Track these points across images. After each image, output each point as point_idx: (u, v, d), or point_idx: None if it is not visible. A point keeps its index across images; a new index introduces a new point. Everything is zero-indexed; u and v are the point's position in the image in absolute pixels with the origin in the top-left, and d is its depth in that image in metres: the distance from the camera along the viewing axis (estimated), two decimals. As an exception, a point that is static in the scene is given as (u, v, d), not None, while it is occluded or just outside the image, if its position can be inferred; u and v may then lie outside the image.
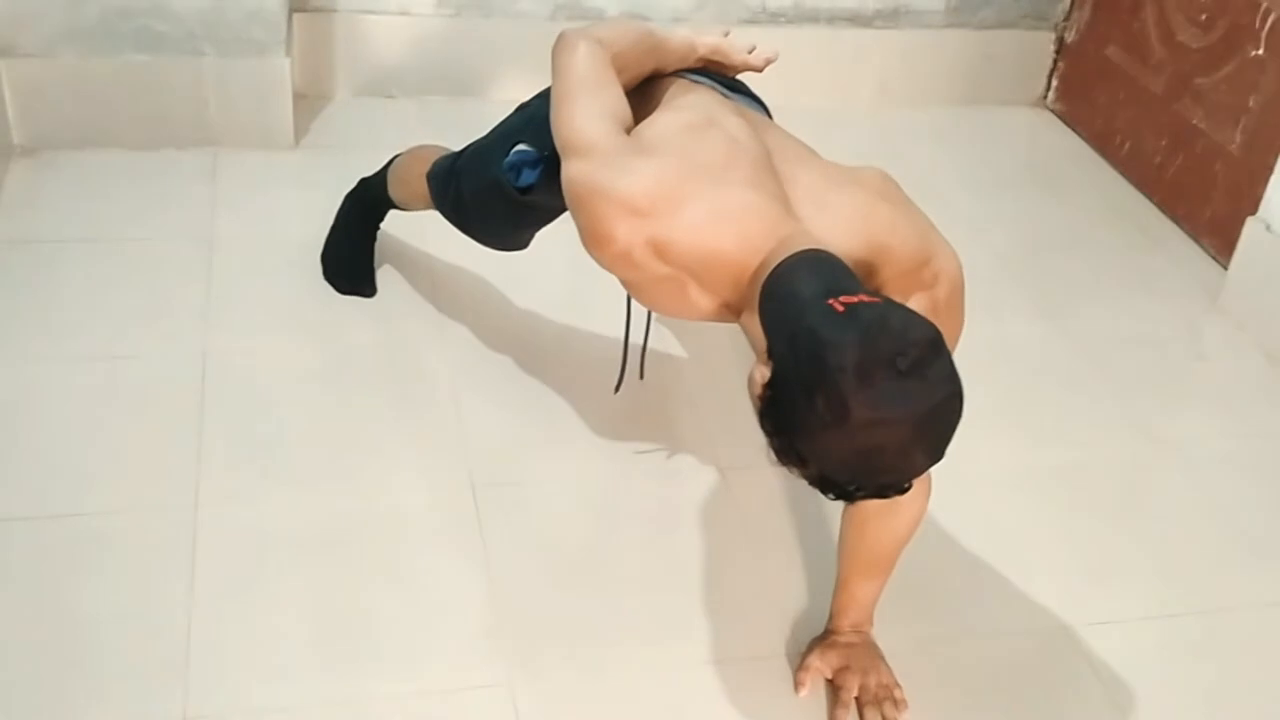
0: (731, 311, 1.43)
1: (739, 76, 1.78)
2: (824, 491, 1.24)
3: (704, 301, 1.42)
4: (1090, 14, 3.25)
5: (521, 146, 1.77)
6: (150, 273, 2.29)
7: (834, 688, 1.67)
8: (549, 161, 1.68)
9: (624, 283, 1.47)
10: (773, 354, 1.25)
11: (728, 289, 1.39)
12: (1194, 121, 2.89)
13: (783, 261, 1.32)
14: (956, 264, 1.47)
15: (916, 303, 1.38)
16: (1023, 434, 2.23)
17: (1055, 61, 3.38)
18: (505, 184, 1.77)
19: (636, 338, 1.95)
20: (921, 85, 3.31)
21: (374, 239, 2.33)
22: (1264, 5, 2.68)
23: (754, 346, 1.35)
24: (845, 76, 3.24)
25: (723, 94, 1.68)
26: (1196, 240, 2.89)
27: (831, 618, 1.72)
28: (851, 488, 1.22)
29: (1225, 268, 2.72)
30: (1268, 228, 2.59)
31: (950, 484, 1.71)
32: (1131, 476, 2.18)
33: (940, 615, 1.84)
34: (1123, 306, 2.64)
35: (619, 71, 1.54)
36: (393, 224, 2.33)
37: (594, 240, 1.37)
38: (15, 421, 1.93)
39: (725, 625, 1.77)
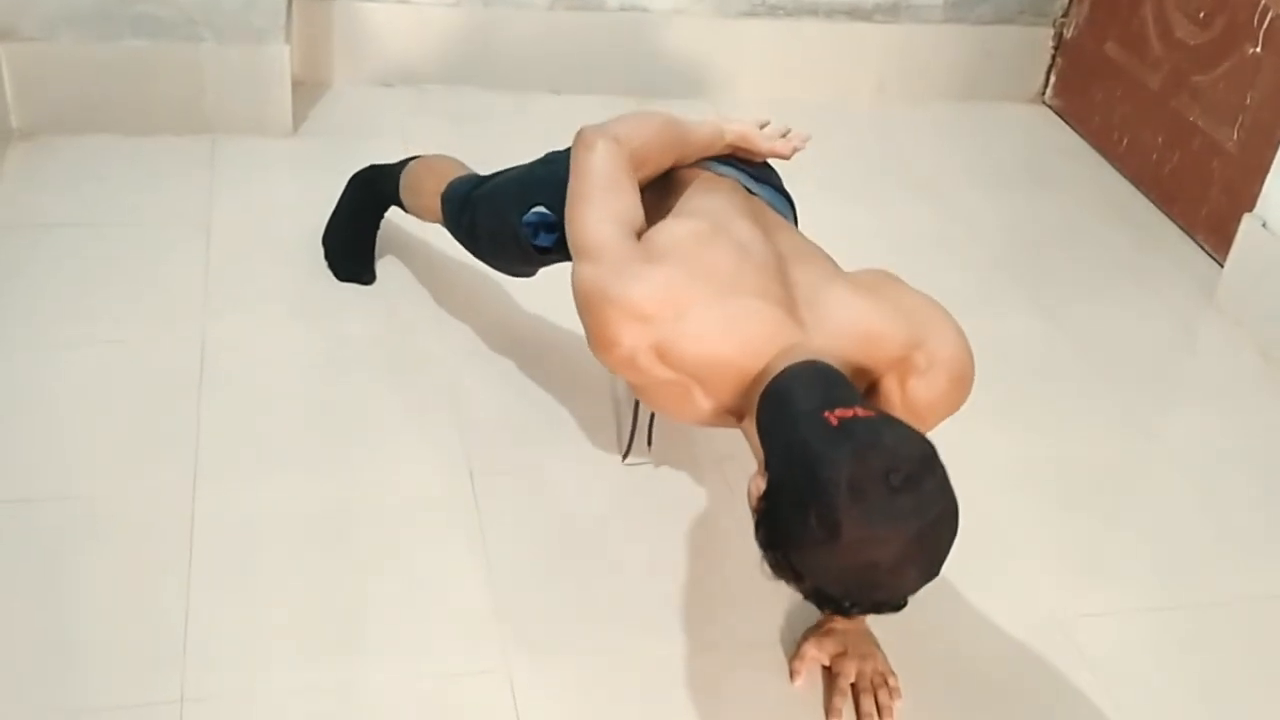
0: (733, 416, 1.44)
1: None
2: (819, 606, 1.25)
3: (706, 405, 1.44)
4: (1089, 10, 3.26)
5: (541, 209, 1.79)
6: (148, 258, 2.29)
7: (830, 674, 1.68)
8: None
9: (630, 384, 1.49)
10: (769, 466, 1.26)
11: (729, 394, 1.40)
12: (1191, 118, 2.90)
13: (782, 371, 1.33)
14: (956, 347, 1.45)
15: (913, 389, 1.39)
16: (1018, 429, 2.23)
17: (1054, 57, 3.39)
18: (523, 238, 1.80)
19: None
20: (920, 80, 3.32)
21: (377, 227, 2.33)
22: (1262, 3, 2.69)
23: (754, 454, 1.37)
24: (844, 71, 3.25)
25: (745, 187, 1.70)
26: (1193, 237, 2.90)
27: (828, 606, 1.72)
28: (846, 603, 1.23)
29: (1221, 265, 2.72)
30: (1264, 225, 2.60)
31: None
32: (1125, 472, 2.19)
33: (934, 606, 1.84)
34: (1119, 303, 2.65)
35: (639, 166, 1.56)
36: (394, 212, 2.33)
37: (600, 344, 1.39)
38: (13, 405, 1.93)
39: (722, 613, 1.78)
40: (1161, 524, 2.08)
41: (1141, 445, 2.26)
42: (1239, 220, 2.66)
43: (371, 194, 2.29)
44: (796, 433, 1.23)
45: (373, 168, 2.31)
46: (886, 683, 1.65)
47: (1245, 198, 2.68)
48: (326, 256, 2.32)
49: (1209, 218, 2.85)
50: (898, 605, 1.23)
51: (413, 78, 2.98)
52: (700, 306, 1.36)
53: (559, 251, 1.78)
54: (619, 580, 1.80)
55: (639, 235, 1.47)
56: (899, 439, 1.20)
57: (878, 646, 1.70)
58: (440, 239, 2.39)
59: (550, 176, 1.78)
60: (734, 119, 1.77)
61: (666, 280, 1.37)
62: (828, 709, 1.65)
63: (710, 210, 1.55)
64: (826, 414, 1.22)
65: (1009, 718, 1.70)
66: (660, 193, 1.64)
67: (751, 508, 1.26)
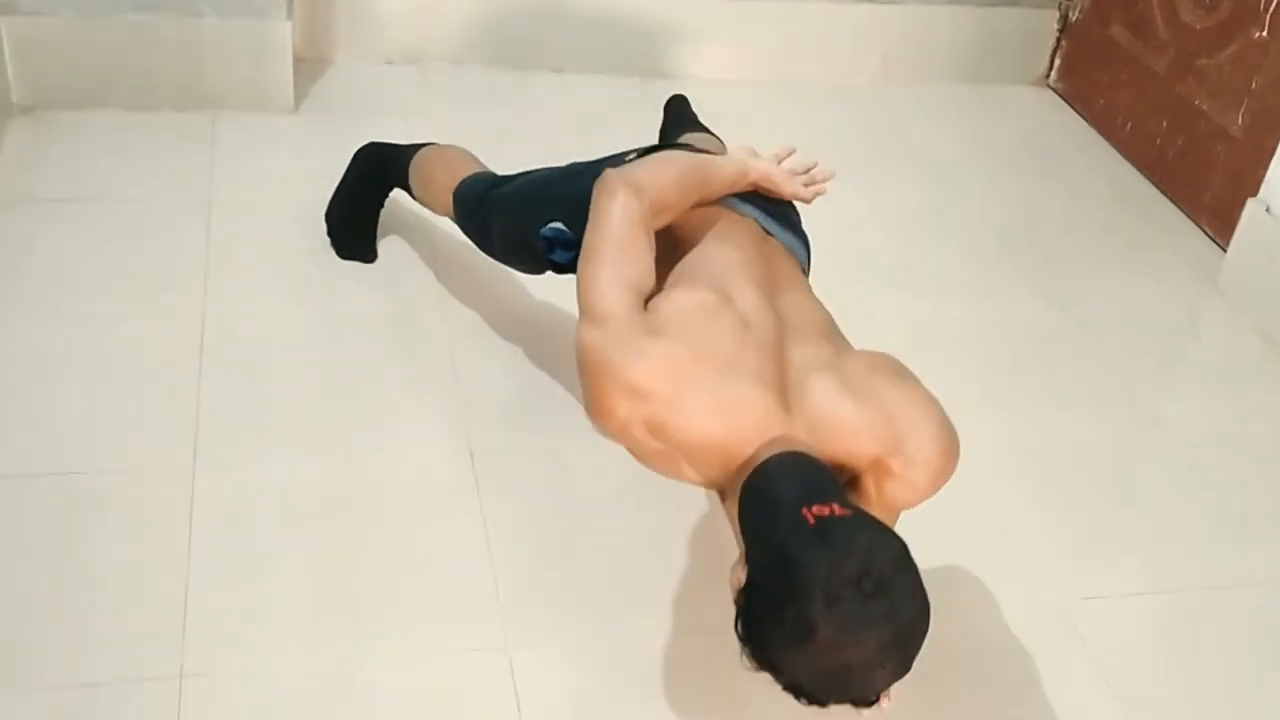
0: (718, 490, 1.48)
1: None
2: (796, 698, 1.27)
3: (694, 475, 1.47)
4: (1095, -7, 3.25)
5: (559, 225, 1.80)
6: (148, 234, 2.28)
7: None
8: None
9: (625, 447, 1.51)
10: (749, 560, 1.29)
11: (715, 472, 1.44)
12: (1196, 102, 2.89)
13: (765, 461, 1.36)
14: (933, 451, 1.43)
15: (888, 491, 1.42)
16: (1018, 411, 2.23)
17: (1058, 40, 3.37)
18: (536, 247, 1.81)
19: None
20: (924, 62, 3.30)
21: (381, 206, 2.31)
22: (1269, -14, 2.68)
23: (735, 536, 1.41)
24: (848, 52, 3.24)
25: (763, 228, 1.70)
26: (1196, 221, 2.89)
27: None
28: (822, 698, 1.26)
29: (1224, 249, 2.72)
30: (1268, 210, 2.59)
31: (948, 457, 1.72)
32: (1126, 455, 2.19)
33: (931, 588, 1.84)
34: (1121, 286, 2.64)
35: (659, 213, 1.56)
36: (398, 191, 2.32)
37: (597, 410, 1.42)
38: (13, 380, 1.93)
39: (721, 594, 1.76)
40: (1162, 508, 2.08)
41: (1143, 429, 2.26)
42: (1242, 205, 2.65)
43: (377, 174, 2.28)
44: (776, 531, 1.27)
45: (378, 146, 2.29)
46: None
47: (1249, 182, 2.68)
48: (329, 234, 2.31)
49: (1212, 202, 2.84)
50: (871, 701, 1.27)
51: (415, 55, 2.97)
52: (697, 388, 1.39)
53: (574, 267, 1.79)
54: (619, 561, 1.80)
55: (649, 298, 1.48)
56: (873, 542, 1.24)
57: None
58: (444, 220, 2.39)
59: (571, 192, 1.78)
60: (759, 157, 1.74)
61: (667, 358, 1.39)
62: None
63: (720, 270, 1.55)
64: (804, 511, 1.26)
65: (1007, 701, 1.70)
66: (677, 233, 1.63)
67: (733, 599, 1.30)
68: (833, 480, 1.36)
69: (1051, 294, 2.57)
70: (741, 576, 1.29)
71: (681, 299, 1.46)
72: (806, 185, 1.76)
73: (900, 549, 1.25)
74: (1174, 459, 2.20)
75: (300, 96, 2.74)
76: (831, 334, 1.57)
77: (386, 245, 2.35)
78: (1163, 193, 3.00)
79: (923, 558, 1.85)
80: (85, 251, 2.21)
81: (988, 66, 3.35)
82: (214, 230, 2.31)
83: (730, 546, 1.86)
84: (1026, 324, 2.47)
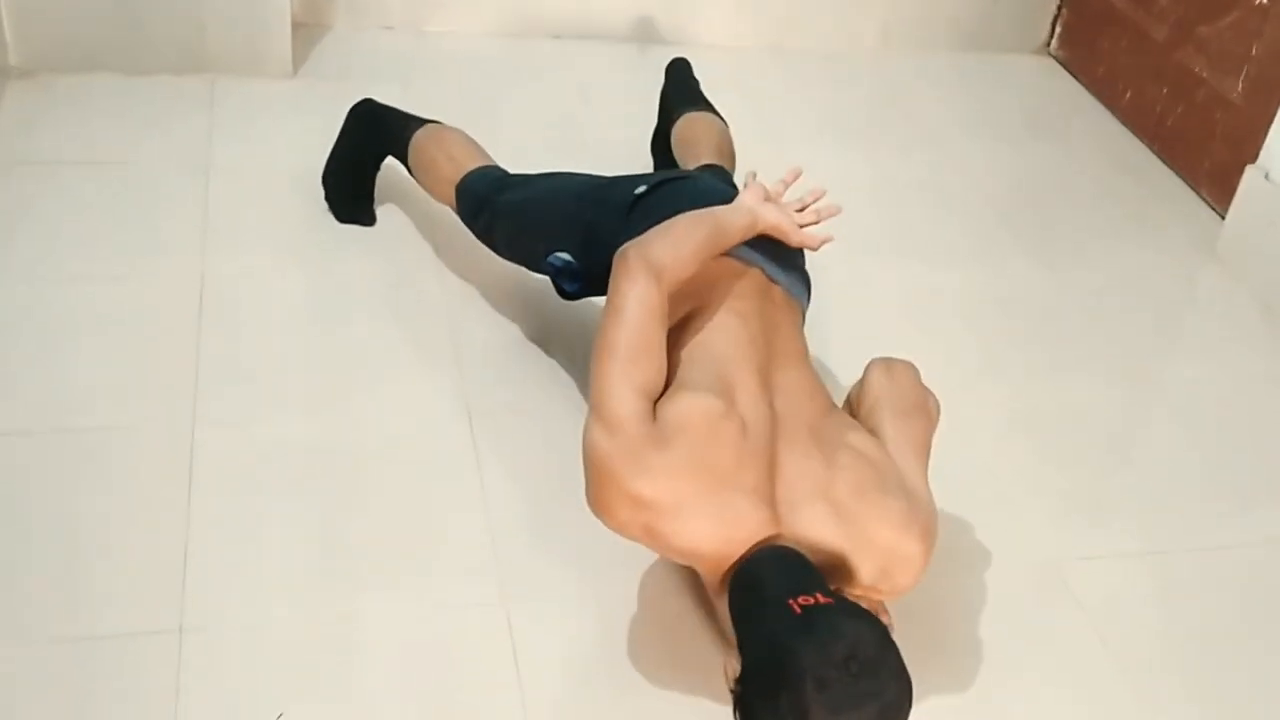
0: (709, 584, 1.56)
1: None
2: None
3: (684, 565, 1.61)
4: (1096, -40, 3.24)
5: (567, 257, 1.84)
6: (147, 197, 2.28)
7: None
8: (592, 277, 1.79)
9: None
10: (741, 651, 1.36)
11: (705, 571, 1.54)
12: (1196, 70, 2.88)
13: (750, 557, 1.45)
14: (920, 563, 1.53)
15: (875, 595, 1.52)
16: (1017, 377, 2.24)
17: (1059, 8, 3.36)
18: (542, 266, 1.89)
19: None
20: (925, 30, 3.29)
21: (378, 169, 2.31)
22: (1270, -48, 2.67)
23: (724, 629, 1.50)
24: (848, 19, 3.23)
25: (767, 275, 1.73)
26: (1195, 189, 2.89)
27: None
28: None
29: (1223, 217, 2.72)
30: (1266, 176, 2.59)
31: (945, 421, 1.73)
32: (1124, 419, 2.20)
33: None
34: (1120, 254, 2.64)
35: (674, 283, 1.58)
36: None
37: (598, 506, 1.48)
38: (14, 339, 1.93)
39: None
40: (1158, 471, 2.08)
41: (1140, 394, 2.26)
42: (1242, 172, 2.65)
43: (372, 139, 2.27)
44: (765, 622, 1.35)
45: (374, 109, 2.27)
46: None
47: (1248, 149, 2.67)
48: (326, 197, 2.31)
49: (1212, 170, 2.84)
50: None
51: (414, 21, 2.96)
52: (695, 503, 1.44)
53: (583, 294, 1.88)
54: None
55: (658, 397, 1.52)
56: (857, 627, 1.32)
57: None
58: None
59: (582, 222, 1.80)
60: (767, 193, 1.74)
61: (669, 476, 1.44)
62: None
63: (722, 358, 1.58)
64: (790, 601, 1.33)
65: (1003, 660, 1.71)
66: (684, 291, 1.64)
67: (729, 689, 1.36)
68: (814, 570, 1.44)
69: (1050, 261, 2.57)
70: (736, 666, 1.36)
71: (688, 408, 1.50)
72: (813, 222, 1.77)
73: (882, 631, 1.33)
74: (1171, 423, 2.20)
75: (299, 61, 2.73)
76: (820, 421, 1.61)
77: (385, 208, 2.35)
78: (1162, 160, 2.99)
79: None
80: (84, 214, 2.21)
81: (988, 34, 3.34)
82: (212, 193, 2.31)
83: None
84: (1025, 290, 2.47)
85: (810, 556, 1.46)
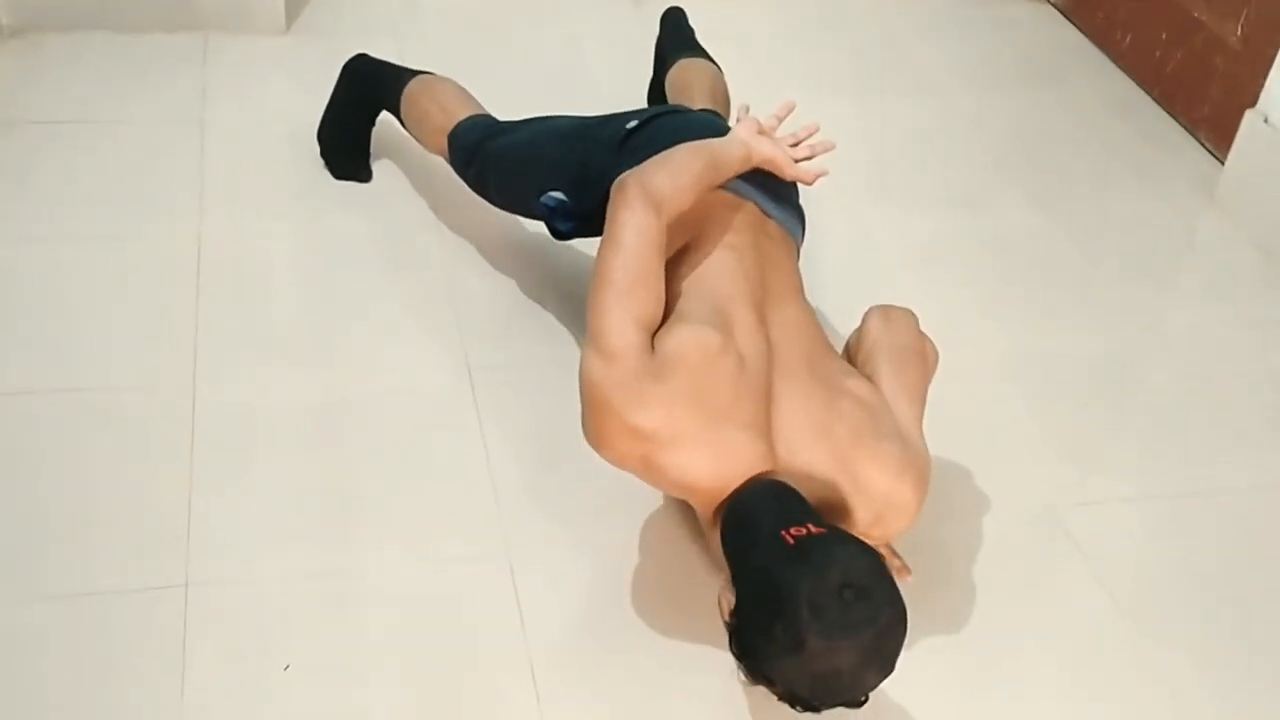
0: (703, 516, 1.57)
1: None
2: (792, 706, 1.35)
3: (679, 497, 1.61)
4: (1094, -96, 3.20)
5: (560, 195, 1.83)
6: (142, 156, 2.27)
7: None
8: (585, 215, 1.79)
9: None
10: (735, 584, 1.38)
11: (699, 503, 1.55)
12: (1195, 14, 2.86)
13: (742, 489, 1.45)
14: (913, 507, 1.54)
15: (869, 538, 1.50)
16: (1015, 322, 2.24)
17: (1057, -47, 3.33)
18: (534, 209, 1.87)
19: None
20: (922, -23, 3.26)
21: (373, 124, 2.30)
22: (1270, -107, 2.64)
23: (716, 561, 1.50)
24: (844, -34, 3.20)
25: (761, 209, 1.73)
26: (1194, 134, 2.88)
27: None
28: (816, 703, 1.34)
29: (1222, 162, 2.71)
30: (1266, 120, 2.58)
31: (943, 368, 1.73)
32: (1122, 365, 2.20)
33: (929, 493, 1.87)
34: (1119, 199, 2.64)
35: (672, 215, 1.58)
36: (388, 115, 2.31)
37: (594, 438, 1.48)
38: (13, 299, 1.93)
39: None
40: (1157, 416, 2.09)
41: (1139, 339, 2.27)
42: (1241, 117, 2.64)
43: (366, 95, 2.26)
44: (758, 555, 1.35)
45: (367, 63, 2.26)
46: (890, 563, 1.68)
47: (1247, 94, 2.66)
48: (322, 154, 2.30)
49: (1211, 115, 2.82)
50: (860, 702, 1.35)
51: (406, -25, 2.94)
52: (693, 435, 1.45)
53: (577, 234, 1.87)
54: (617, 475, 1.81)
55: (656, 329, 1.51)
56: (850, 555, 1.33)
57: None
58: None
59: (574, 160, 1.78)
60: (761, 128, 1.74)
61: (667, 407, 1.44)
62: None
63: (719, 292, 1.58)
64: (783, 533, 1.34)
65: (1002, 605, 1.72)
66: (679, 220, 1.63)
67: (724, 621, 1.38)
68: (807, 504, 1.44)
69: (1048, 206, 2.56)
70: (731, 599, 1.37)
71: (685, 341, 1.49)
72: (807, 157, 1.76)
73: (875, 558, 1.34)
74: (1170, 368, 2.21)
75: (291, 17, 2.71)
76: (818, 358, 1.61)
77: (381, 165, 2.34)
78: (1161, 106, 2.98)
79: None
80: (80, 173, 2.20)
81: (986, -19, 3.31)
82: (208, 151, 2.30)
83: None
84: (1024, 237, 2.47)
85: (804, 494, 1.46)
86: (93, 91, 2.41)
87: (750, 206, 1.73)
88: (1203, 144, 2.85)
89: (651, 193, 1.56)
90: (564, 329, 2.05)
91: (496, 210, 2.26)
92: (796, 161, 1.76)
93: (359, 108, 2.28)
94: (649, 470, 1.48)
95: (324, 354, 1.93)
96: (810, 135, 1.78)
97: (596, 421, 1.46)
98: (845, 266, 2.21)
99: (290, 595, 1.58)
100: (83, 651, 1.48)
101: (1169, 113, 2.95)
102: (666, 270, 1.57)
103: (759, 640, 1.32)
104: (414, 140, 2.19)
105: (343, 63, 2.28)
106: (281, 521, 1.66)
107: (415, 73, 2.20)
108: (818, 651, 1.27)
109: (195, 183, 2.22)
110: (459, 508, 1.73)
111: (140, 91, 2.43)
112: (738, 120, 1.77)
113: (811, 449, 1.51)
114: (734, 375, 1.49)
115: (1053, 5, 3.37)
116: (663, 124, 1.83)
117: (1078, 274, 2.39)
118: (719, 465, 1.46)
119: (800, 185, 1.83)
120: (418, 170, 2.33)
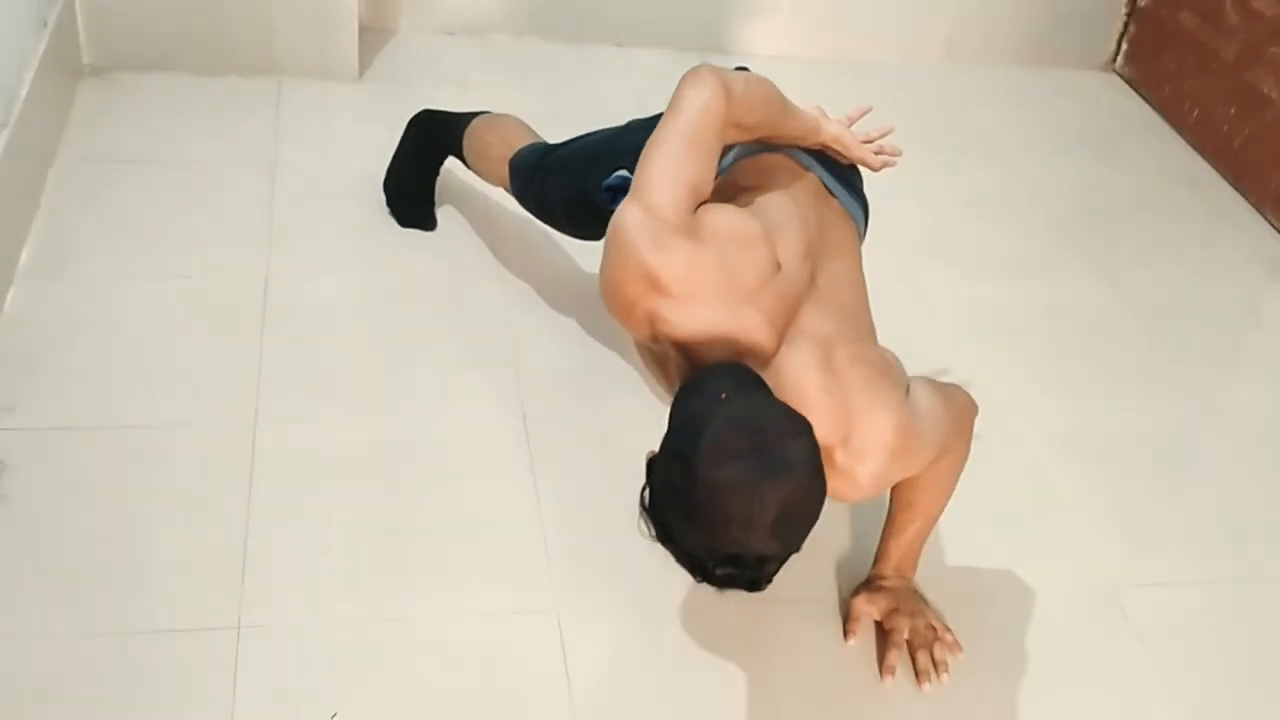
0: (665, 385, 1.51)
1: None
2: (691, 572, 1.28)
3: (664, 382, 1.52)
4: (1164, -23, 3.20)
5: (625, 173, 1.79)
6: (213, 196, 2.31)
7: (884, 630, 1.69)
8: None
9: (635, 338, 1.53)
10: (667, 429, 1.30)
11: (671, 375, 1.47)
12: (1264, 90, 2.84)
13: (713, 365, 1.37)
14: (884, 448, 1.41)
15: (831, 480, 1.33)
16: (1076, 395, 2.22)
17: (1126, 25, 3.33)
18: (597, 200, 1.80)
19: None
20: (989, 43, 3.27)
21: (437, 174, 2.33)
22: (1346, -27, 2.63)
23: None
24: (912, 31, 3.21)
25: (825, 186, 1.69)
26: (1261, 211, 2.85)
27: (876, 562, 1.73)
28: (709, 564, 1.25)
29: (1289, 240, 2.68)
30: (1336, 200, 2.55)
31: (1001, 440, 1.72)
32: (1183, 443, 2.17)
33: (984, 568, 1.85)
34: (1183, 274, 2.61)
35: (736, 123, 1.55)
36: (457, 163, 2.34)
37: (608, 282, 1.44)
38: (82, 334, 1.96)
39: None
40: (1217, 497, 2.06)
41: (1200, 417, 2.23)
42: (1310, 195, 2.61)
43: (430, 142, 2.29)
44: (694, 401, 1.29)
45: (431, 114, 2.30)
46: (942, 638, 1.66)
47: (1318, 172, 2.63)
48: (388, 203, 2.33)
49: (1278, 192, 2.80)
50: (753, 578, 1.26)
51: (476, 27, 2.98)
52: (706, 305, 1.40)
53: None
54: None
55: (700, 204, 1.48)
56: (777, 410, 1.25)
57: (927, 604, 1.70)
58: (501, 191, 2.40)
59: (633, 144, 1.77)
60: (832, 118, 1.74)
61: (691, 264, 1.40)
62: (882, 664, 1.65)
63: (773, 216, 1.54)
64: (723, 394, 1.27)
65: (1056, 684, 1.69)
66: (739, 179, 1.63)
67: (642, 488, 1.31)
68: (766, 389, 1.33)
69: (1111, 278, 2.54)
70: (654, 451, 1.30)
71: (728, 217, 1.46)
72: (876, 154, 1.75)
73: (804, 427, 1.25)
74: (1232, 449, 2.17)
75: (364, 65, 2.76)
76: (855, 315, 1.56)
77: (445, 214, 2.36)
78: (1228, 182, 2.95)
79: (973, 535, 1.86)
80: (152, 211, 2.25)
81: (1053, 49, 3.31)
82: (278, 193, 2.34)
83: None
84: (1085, 308, 2.45)
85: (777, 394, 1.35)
86: (167, 131, 2.46)
87: (813, 178, 1.70)
88: (1269, 221, 2.82)
89: (725, 80, 1.53)
90: (622, 382, 2.06)
91: (559, 260, 2.28)
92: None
93: (423, 155, 2.31)
94: (651, 328, 1.41)
95: (382, 399, 1.95)
96: (882, 135, 1.77)
97: (615, 263, 1.41)
98: (902, 330, 2.18)
99: (340, 642, 1.58)
100: (133, 690, 1.48)
101: (1236, 188, 2.93)
102: (725, 191, 1.52)
103: (661, 481, 1.25)
104: (478, 182, 2.21)
105: (412, 111, 2.32)
106: (334, 566, 1.67)
107: (477, 113, 2.23)
108: (707, 487, 1.20)
109: (264, 224, 2.26)
110: (510, 559, 1.73)
111: (214, 133, 2.48)
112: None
113: (809, 351, 1.43)
114: (765, 269, 1.44)
115: (1119, 76, 3.36)
116: None
117: (1139, 348, 2.37)
118: (723, 340, 1.39)
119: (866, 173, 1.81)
120: (481, 218, 2.36)
